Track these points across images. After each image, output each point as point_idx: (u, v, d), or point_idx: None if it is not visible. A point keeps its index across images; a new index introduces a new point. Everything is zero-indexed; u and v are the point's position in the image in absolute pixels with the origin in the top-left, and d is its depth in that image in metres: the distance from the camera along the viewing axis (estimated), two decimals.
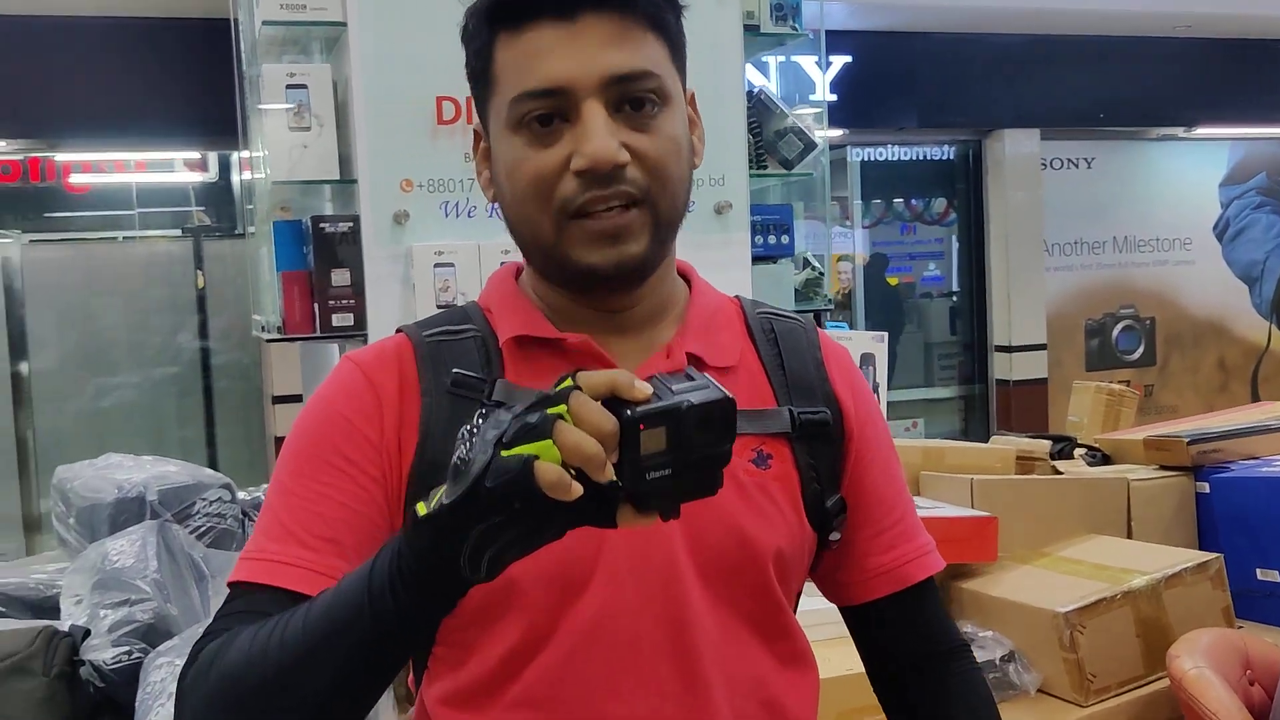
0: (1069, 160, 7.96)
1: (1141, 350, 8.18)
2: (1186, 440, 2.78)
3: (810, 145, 3.02)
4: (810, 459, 1.17)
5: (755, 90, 3.07)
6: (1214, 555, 2.39)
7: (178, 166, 6.92)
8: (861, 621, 1.29)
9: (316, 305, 2.70)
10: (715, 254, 2.86)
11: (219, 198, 6.95)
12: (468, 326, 1.16)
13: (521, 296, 1.17)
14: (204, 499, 2.72)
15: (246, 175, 3.37)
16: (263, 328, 2.97)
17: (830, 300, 3.14)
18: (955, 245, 8.09)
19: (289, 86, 2.69)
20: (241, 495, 2.90)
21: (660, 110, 1.07)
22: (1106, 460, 3.09)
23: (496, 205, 1.15)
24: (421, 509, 0.86)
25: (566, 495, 0.80)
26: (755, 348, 1.20)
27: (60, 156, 6.53)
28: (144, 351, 6.44)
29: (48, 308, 6.26)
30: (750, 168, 2.97)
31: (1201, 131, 8.05)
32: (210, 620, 1.04)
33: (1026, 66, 7.39)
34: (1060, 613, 2.22)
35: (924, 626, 1.27)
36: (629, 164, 1.05)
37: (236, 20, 3.05)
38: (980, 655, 2.24)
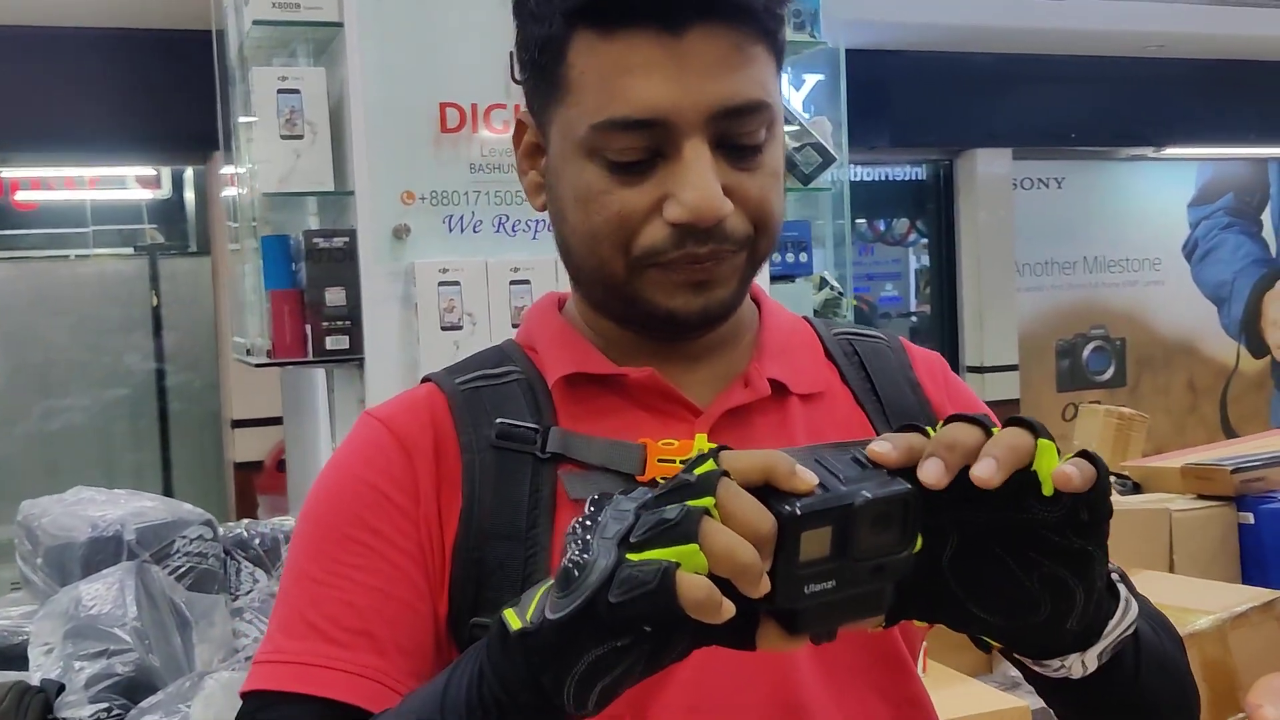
0: (1039, 180, 7.92)
1: (1112, 371, 8.14)
2: (1230, 469, 2.67)
3: (829, 159, 2.89)
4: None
5: None
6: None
7: (130, 183, 6.70)
8: None
9: (309, 327, 2.52)
10: None
11: (173, 214, 6.74)
12: (508, 368, 0.99)
13: (569, 330, 1.01)
14: (184, 537, 2.52)
15: (231, 190, 3.18)
16: (247, 350, 2.78)
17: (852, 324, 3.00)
18: (913, 265, 8.00)
19: (280, 91, 2.51)
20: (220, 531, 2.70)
21: (766, 140, 0.91)
22: (1137, 489, 2.97)
23: (545, 219, 0.98)
24: (513, 620, 0.68)
25: (716, 617, 0.63)
26: (839, 372, 1.05)
27: (6, 173, 6.29)
28: (96, 373, 6.20)
29: None
30: None
31: (1170, 152, 8.05)
32: None
33: (998, 86, 7.34)
34: None
35: None
36: (731, 214, 0.89)
37: (219, 32, 2.87)
38: (1032, 703, 2.10)
